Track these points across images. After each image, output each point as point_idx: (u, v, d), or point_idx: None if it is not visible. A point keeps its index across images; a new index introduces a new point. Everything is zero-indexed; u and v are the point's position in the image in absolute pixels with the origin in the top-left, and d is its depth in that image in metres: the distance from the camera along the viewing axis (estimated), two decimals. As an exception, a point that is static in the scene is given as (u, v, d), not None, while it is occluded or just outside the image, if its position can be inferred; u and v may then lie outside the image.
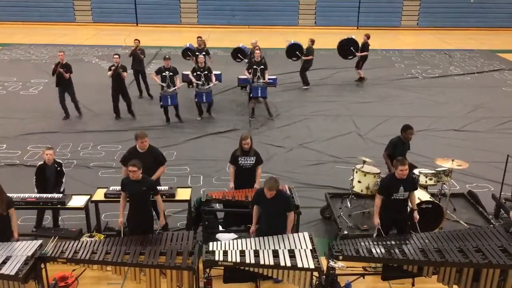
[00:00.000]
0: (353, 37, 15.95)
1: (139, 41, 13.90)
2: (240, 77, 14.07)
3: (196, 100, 12.22)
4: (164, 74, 12.11)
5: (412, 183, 6.48)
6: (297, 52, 15.04)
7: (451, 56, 20.67)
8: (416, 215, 6.53)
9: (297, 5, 27.88)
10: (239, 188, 7.34)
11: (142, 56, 13.67)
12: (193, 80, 12.36)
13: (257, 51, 13.37)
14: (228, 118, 12.60)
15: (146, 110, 13.04)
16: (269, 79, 13.09)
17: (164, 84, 12.09)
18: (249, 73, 12.75)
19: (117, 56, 11.97)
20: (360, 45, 15.85)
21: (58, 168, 7.24)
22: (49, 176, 7.17)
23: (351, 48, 15.84)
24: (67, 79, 11.96)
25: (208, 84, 12.27)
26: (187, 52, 14.83)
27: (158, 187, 7.13)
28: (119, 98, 12.22)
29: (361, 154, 8.46)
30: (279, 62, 17.16)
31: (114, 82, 12.04)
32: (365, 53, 15.83)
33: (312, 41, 15.11)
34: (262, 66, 12.65)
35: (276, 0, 27.57)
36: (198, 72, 12.29)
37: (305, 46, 15.15)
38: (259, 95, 12.50)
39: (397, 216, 6.50)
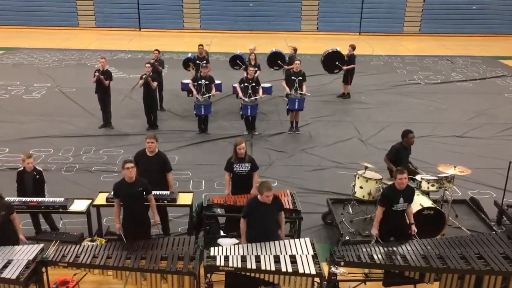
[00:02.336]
0: (338, 49, 14.92)
1: (158, 51, 13.48)
2: (234, 85, 13.11)
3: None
4: (200, 82, 11.73)
5: (411, 195, 6.43)
6: (279, 62, 14.86)
7: (453, 62, 20.68)
8: (414, 229, 6.43)
9: (299, 11, 27.95)
10: (236, 193, 7.31)
11: (161, 67, 13.27)
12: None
13: (252, 56, 13.36)
14: (230, 124, 12.61)
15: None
16: (264, 87, 12.65)
17: (199, 96, 11.71)
18: (287, 85, 12.16)
19: (148, 65, 11.65)
20: (345, 57, 14.73)
21: (37, 176, 7.10)
22: (26, 182, 7.08)
23: (337, 62, 14.69)
24: (106, 87, 11.75)
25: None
26: (188, 63, 14.42)
27: (166, 192, 7.18)
28: (149, 108, 12.00)
29: (363, 160, 8.46)
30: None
31: (144, 93, 11.81)
32: (352, 66, 14.75)
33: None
34: (300, 78, 11.97)
35: (278, 5, 27.66)
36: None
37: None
38: (296, 107, 11.87)
39: (397, 227, 6.45)
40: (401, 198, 6.30)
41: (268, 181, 6.08)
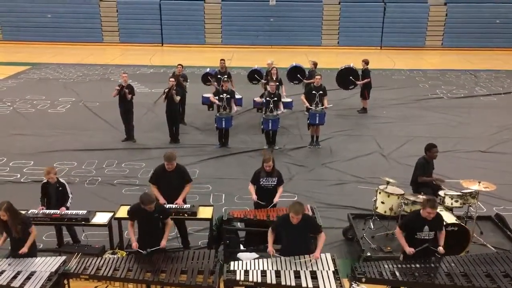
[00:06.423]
0: (352, 65, 14.80)
1: (182, 66, 13.60)
2: (255, 99, 13.41)
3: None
4: (221, 96, 11.86)
5: (438, 223, 6.10)
6: (298, 75, 14.86)
7: (476, 77, 20.42)
8: (441, 250, 6.05)
9: (320, 25, 28.06)
10: (258, 206, 7.34)
11: (185, 82, 13.35)
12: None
13: (273, 70, 13.38)
14: (251, 138, 12.63)
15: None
16: (285, 102, 12.60)
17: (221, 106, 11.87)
18: (306, 99, 12.06)
19: (172, 80, 11.79)
20: (360, 72, 14.67)
21: (60, 188, 7.21)
22: (50, 194, 7.21)
23: (350, 77, 14.60)
24: (128, 101, 11.92)
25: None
26: (207, 77, 14.45)
27: (185, 206, 7.20)
28: (172, 122, 12.15)
29: (385, 175, 8.37)
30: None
31: (167, 106, 11.95)
32: (366, 80, 14.63)
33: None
34: (321, 92, 11.84)
35: (299, 20, 27.80)
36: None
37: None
38: (317, 122, 11.77)
39: (421, 255, 6.09)
40: (426, 227, 5.98)
41: (297, 204, 5.84)
